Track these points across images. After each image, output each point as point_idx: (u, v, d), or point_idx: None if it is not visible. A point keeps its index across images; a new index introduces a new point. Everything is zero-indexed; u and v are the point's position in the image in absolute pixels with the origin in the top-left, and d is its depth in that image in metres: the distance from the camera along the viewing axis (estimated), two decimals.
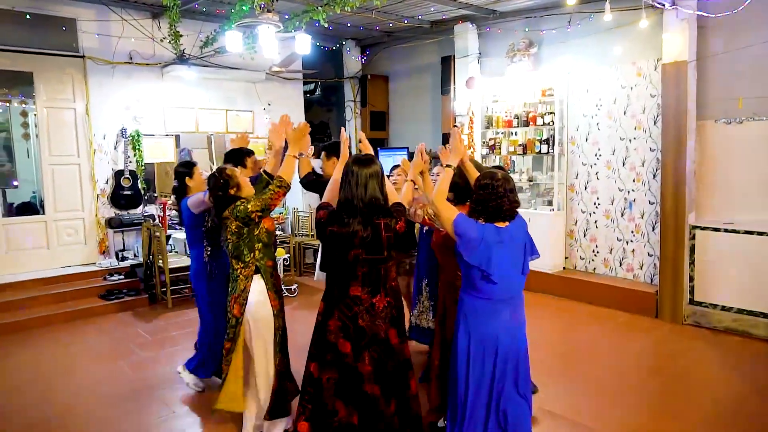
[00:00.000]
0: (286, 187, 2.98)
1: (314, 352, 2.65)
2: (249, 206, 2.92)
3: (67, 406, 3.78)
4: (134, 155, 6.84)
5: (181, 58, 6.90)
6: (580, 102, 6.28)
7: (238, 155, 3.87)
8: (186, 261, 6.17)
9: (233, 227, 2.96)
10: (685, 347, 4.71)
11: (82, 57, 6.53)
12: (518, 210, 2.60)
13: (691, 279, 5.22)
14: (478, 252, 2.42)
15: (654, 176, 5.69)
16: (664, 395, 3.78)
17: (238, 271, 3.00)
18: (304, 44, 5.39)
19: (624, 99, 5.89)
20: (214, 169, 3.22)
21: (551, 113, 6.37)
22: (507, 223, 2.53)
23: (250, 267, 2.98)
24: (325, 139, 10.22)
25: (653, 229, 5.74)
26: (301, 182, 3.96)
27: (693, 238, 5.20)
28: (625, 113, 5.90)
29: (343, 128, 3.22)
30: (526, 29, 6.55)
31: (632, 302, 5.60)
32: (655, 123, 5.65)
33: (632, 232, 5.92)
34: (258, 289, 2.98)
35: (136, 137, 6.83)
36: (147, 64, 6.95)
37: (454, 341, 2.60)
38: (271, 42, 4.90)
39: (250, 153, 3.93)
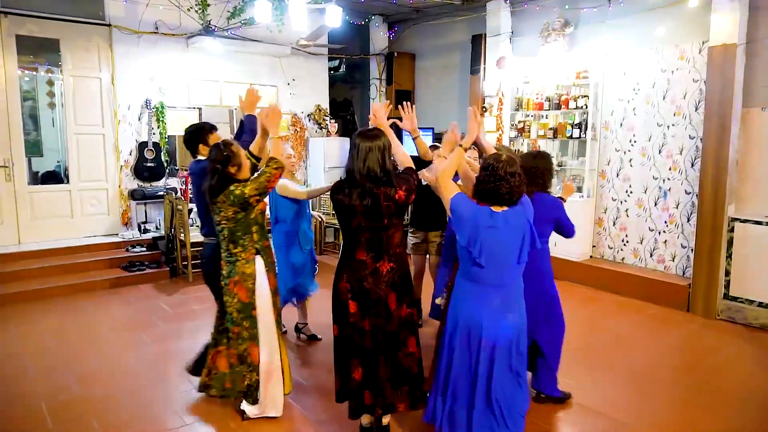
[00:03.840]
0: (281, 168, 2.93)
1: (334, 313, 2.79)
2: (246, 190, 2.84)
3: (90, 372, 3.79)
4: (158, 127, 6.78)
5: (207, 29, 6.79)
6: (616, 85, 6.04)
7: (199, 132, 3.49)
8: None
9: (229, 213, 2.89)
10: (719, 343, 4.55)
11: (108, 25, 6.46)
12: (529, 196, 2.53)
13: (727, 273, 5.02)
14: (466, 232, 2.42)
15: (692, 165, 5.46)
16: (697, 391, 3.64)
17: (237, 255, 2.95)
18: (334, 16, 5.22)
19: (664, 83, 5.64)
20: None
21: (585, 96, 6.15)
22: (505, 208, 2.44)
23: (249, 250, 2.95)
24: (348, 117, 10.08)
25: (688, 220, 5.54)
26: None
27: (732, 230, 4.99)
28: (664, 98, 5.66)
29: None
30: (566, 7, 6.27)
31: (663, 294, 5.42)
32: (696, 109, 5.40)
33: (665, 222, 5.71)
34: (260, 270, 2.98)
35: (160, 109, 6.77)
36: (173, 35, 6.85)
37: (441, 324, 2.68)
38: (300, 13, 4.75)
39: (213, 128, 3.57)
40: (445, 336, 2.61)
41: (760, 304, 4.85)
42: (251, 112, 3.41)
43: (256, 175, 2.94)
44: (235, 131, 3.78)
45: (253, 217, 2.94)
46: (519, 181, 2.42)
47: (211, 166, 2.89)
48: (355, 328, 2.68)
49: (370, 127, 2.74)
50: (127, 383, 3.64)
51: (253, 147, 3.16)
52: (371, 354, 2.68)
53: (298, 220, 4.02)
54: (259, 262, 2.99)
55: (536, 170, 3.21)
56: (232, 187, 2.85)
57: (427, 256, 4.68)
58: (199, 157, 3.49)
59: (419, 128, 3.13)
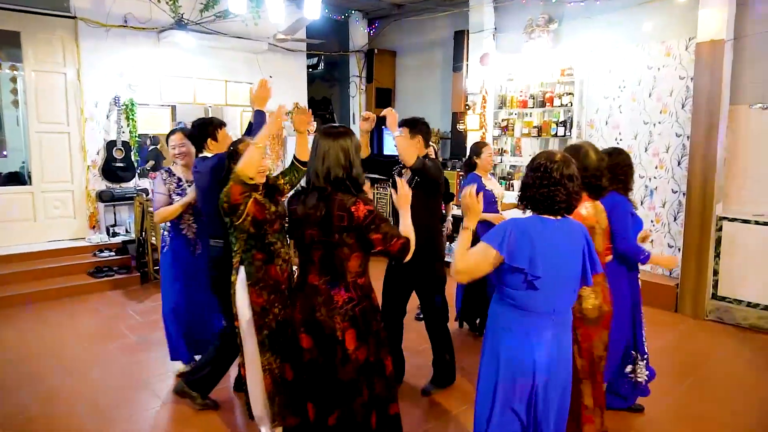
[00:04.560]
0: (240, 184, 2.50)
1: (287, 350, 2.34)
2: (221, 194, 2.56)
3: (52, 389, 3.50)
4: (128, 125, 6.46)
5: (180, 23, 6.49)
6: (601, 83, 5.93)
7: (207, 127, 3.26)
8: None
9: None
10: (710, 344, 4.46)
11: (74, 18, 6.11)
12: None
13: (716, 273, 4.95)
14: (526, 251, 1.93)
15: (679, 163, 5.38)
16: (691, 395, 3.52)
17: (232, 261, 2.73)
18: (313, 8, 4.99)
19: (650, 80, 5.55)
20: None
21: (570, 94, 6.03)
22: (560, 217, 2.05)
23: (236, 258, 2.66)
24: (327, 115, 9.84)
25: (675, 219, 5.46)
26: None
27: (720, 229, 4.92)
28: (650, 96, 5.57)
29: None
30: (553, 0, 6.13)
31: (650, 295, 5.27)
32: (683, 107, 5.32)
33: (652, 221, 5.62)
34: (239, 283, 2.64)
35: (129, 106, 6.45)
36: (143, 29, 6.53)
37: (481, 364, 2.13)
38: (277, 4, 4.51)
39: (223, 124, 3.34)
40: (482, 386, 2.11)
41: (749, 304, 4.78)
42: (261, 108, 3.23)
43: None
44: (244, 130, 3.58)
45: (240, 223, 2.57)
46: (577, 186, 2.01)
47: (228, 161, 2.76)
48: (308, 367, 2.20)
49: (337, 124, 2.39)
50: (92, 401, 3.36)
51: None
52: (325, 401, 2.21)
53: None
54: (241, 273, 2.64)
55: (617, 167, 2.89)
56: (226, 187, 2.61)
57: None
58: (206, 154, 3.23)
59: (405, 122, 3.13)
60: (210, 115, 3.01)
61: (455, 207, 5.62)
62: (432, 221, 3.38)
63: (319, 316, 2.15)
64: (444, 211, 4.57)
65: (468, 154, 4.34)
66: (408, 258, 2.19)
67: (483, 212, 2.50)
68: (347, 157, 2.16)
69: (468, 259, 2.03)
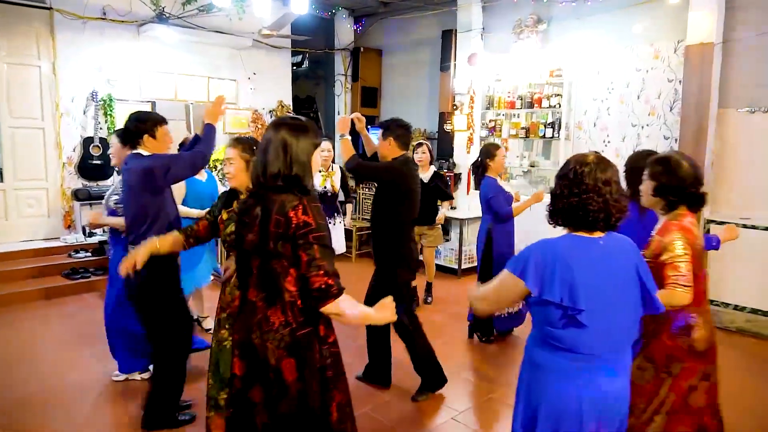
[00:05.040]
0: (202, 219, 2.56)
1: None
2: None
3: (23, 398, 3.31)
4: (105, 121, 6.24)
5: (160, 17, 6.29)
6: (589, 84, 5.91)
7: (146, 121, 2.98)
8: None
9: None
10: None
11: (49, 9, 5.88)
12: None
13: None
14: (550, 276, 1.60)
15: None
16: None
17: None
18: (301, 3, 4.85)
19: (638, 83, 5.54)
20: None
21: (558, 95, 6.01)
22: (602, 234, 1.69)
23: None
24: (311, 114, 9.69)
25: None
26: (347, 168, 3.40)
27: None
28: (638, 98, 5.56)
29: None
30: (544, 0, 6.08)
31: None
32: (671, 109, 5.32)
33: None
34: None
35: (108, 102, 6.23)
36: (122, 21, 6.32)
37: (515, 411, 1.83)
38: None
39: (164, 121, 3.07)
40: (517, 429, 1.80)
41: (736, 308, 4.78)
42: (213, 123, 3.08)
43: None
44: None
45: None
46: (617, 193, 1.66)
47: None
48: (240, 399, 1.87)
49: (292, 115, 2.19)
50: (65, 411, 3.19)
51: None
52: None
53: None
54: None
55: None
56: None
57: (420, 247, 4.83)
58: (141, 151, 2.95)
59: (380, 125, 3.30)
60: (152, 110, 2.91)
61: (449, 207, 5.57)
62: (395, 226, 3.31)
63: (254, 338, 1.81)
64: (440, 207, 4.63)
65: (479, 156, 4.26)
66: (328, 310, 1.75)
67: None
68: (287, 151, 1.80)
69: (488, 294, 1.77)
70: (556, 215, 1.73)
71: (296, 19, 6.69)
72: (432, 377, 3.44)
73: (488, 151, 4.17)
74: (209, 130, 3.06)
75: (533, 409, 1.71)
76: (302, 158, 1.82)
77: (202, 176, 4.29)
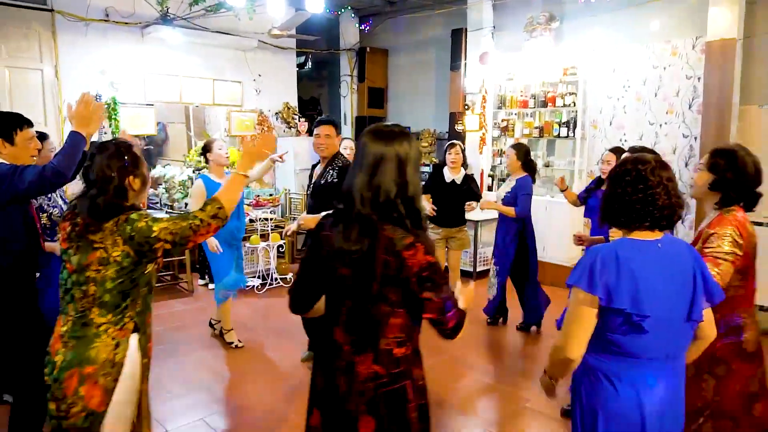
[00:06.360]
0: (222, 220, 1.93)
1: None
2: (156, 227, 1.81)
3: None
4: (110, 125, 6.09)
5: (165, 18, 6.15)
6: (605, 82, 5.81)
7: (5, 123, 2.48)
8: None
9: (114, 253, 1.80)
10: None
11: (51, 11, 5.73)
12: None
13: None
14: (615, 282, 1.55)
15: (686, 165, 5.29)
16: None
17: (102, 329, 1.81)
18: (317, 1, 4.72)
19: (655, 80, 5.45)
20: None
21: (573, 94, 5.91)
22: (660, 235, 1.64)
23: (126, 323, 1.86)
24: (315, 116, 9.57)
25: (682, 222, 5.36)
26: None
27: None
28: (655, 96, 5.46)
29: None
30: None
31: None
32: (690, 107, 5.23)
33: None
34: (129, 362, 1.86)
35: (112, 105, 6.08)
36: (126, 23, 6.17)
37: (574, 420, 1.75)
38: None
39: (28, 123, 2.56)
40: None
41: (762, 308, 4.69)
42: (80, 130, 2.35)
43: (179, 215, 1.93)
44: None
45: (148, 272, 1.90)
46: (678, 191, 1.64)
47: (102, 174, 1.86)
48: None
49: (389, 123, 1.70)
50: None
51: None
52: None
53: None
54: (133, 344, 1.88)
55: None
56: (134, 215, 1.82)
57: (446, 250, 4.81)
58: None
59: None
60: (13, 110, 2.54)
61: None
62: None
63: (341, 384, 1.57)
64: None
65: (527, 155, 4.49)
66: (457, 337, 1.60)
67: None
68: (401, 171, 1.53)
69: (566, 326, 1.64)
70: (616, 215, 1.67)
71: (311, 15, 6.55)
72: None
73: (528, 151, 4.52)
74: (72, 139, 2.35)
75: (593, 415, 1.66)
76: (416, 178, 1.56)
77: (225, 180, 4.09)
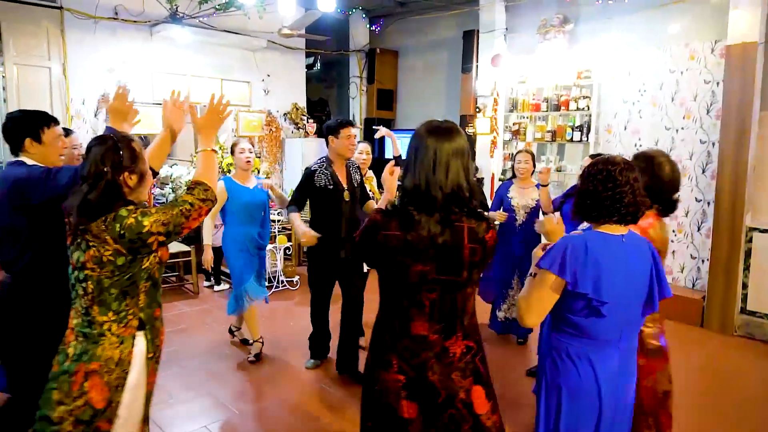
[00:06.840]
0: (211, 201, 1.90)
1: (369, 424, 1.79)
2: (146, 221, 1.74)
3: None
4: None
5: (174, 17, 6.10)
6: (620, 86, 5.70)
7: (30, 121, 2.38)
8: (181, 246, 5.46)
9: (107, 253, 1.73)
10: (742, 363, 4.23)
11: (60, 8, 5.69)
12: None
13: (744, 286, 4.73)
14: (581, 269, 1.72)
15: (704, 171, 5.17)
16: (717, 416, 3.27)
17: (105, 328, 1.77)
18: (328, 1, 4.65)
19: (672, 84, 5.33)
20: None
21: (587, 97, 5.80)
22: (626, 231, 1.82)
23: (129, 320, 1.80)
24: (323, 117, 9.50)
25: (698, 229, 5.23)
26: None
27: (750, 240, 4.70)
28: (672, 100, 5.34)
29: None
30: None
31: (673, 308, 5.06)
32: (708, 112, 5.11)
33: (674, 231, 5.40)
34: (137, 360, 1.81)
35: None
36: (134, 22, 6.12)
37: (538, 397, 1.92)
38: None
39: (54, 121, 2.46)
40: (542, 423, 1.90)
41: (759, 315, 4.57)
42: (115, 125, 2.27)
43: (167, 203, 1.87)
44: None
45: (146, 267, 1.82)
46: (642, 191, 1.81)
47: (94, 168, 1.78)
48: None
49: (440, 120, 1.79)
50: None
51: (151, 155, 2.13)
52: None
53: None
54: (140, 343, 1.83)
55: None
56: (122, 212, 1.75)
57: None
58: (22, 158, 2.37)
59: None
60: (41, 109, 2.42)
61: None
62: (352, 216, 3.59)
63: (431, 375, 1.65)
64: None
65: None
66: None
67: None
68: (467, 167, 1.69)
69: (528, 300, 1.82)
70: (587, 210, 1.84)
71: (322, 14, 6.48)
72: (352, 358, 3.69)
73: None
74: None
75: (557, 390, 1.85)
76: (471, 164, 1.74)
77: (250, 183, 3.97)
